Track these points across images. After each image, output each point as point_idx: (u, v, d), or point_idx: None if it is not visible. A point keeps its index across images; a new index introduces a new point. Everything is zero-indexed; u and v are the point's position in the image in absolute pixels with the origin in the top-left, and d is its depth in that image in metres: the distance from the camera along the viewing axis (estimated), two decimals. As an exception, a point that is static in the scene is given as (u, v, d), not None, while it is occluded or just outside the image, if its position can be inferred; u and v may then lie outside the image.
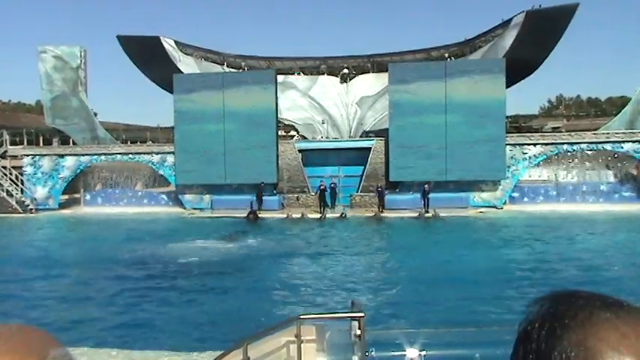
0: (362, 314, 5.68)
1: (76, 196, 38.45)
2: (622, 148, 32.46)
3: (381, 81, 39.60)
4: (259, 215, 31.19)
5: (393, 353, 5.95)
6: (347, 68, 42.48)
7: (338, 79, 42.88)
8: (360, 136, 39.16)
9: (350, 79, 42.76)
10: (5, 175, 36.26)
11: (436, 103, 32.49)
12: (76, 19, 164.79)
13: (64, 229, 30.28)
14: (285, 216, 31.23)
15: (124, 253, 20.92)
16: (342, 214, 30.98)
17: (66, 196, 38.19)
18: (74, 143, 39.59)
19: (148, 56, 39.32)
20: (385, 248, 22.61)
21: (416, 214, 30.46)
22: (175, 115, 35.40)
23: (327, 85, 42.92)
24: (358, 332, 5.62)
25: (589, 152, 33.56)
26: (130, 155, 37.35)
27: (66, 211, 36.41)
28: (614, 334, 0.74)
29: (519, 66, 33.05)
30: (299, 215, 31.02)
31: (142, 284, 16.00)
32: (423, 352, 5.79)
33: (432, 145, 32.58)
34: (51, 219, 33.28)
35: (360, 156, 34.46)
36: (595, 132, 33.94)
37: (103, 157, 37.41)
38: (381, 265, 18.76)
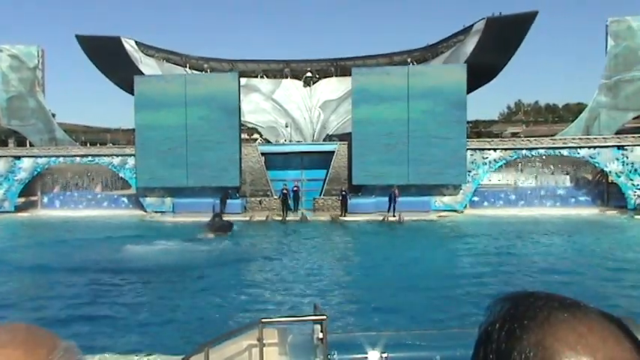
0: (324, 317, 5.70)
1: (33, 198, 37.52)
2: (578, 153, 33.28)
3: (344, 85, 39.80)
4: (223, 218, 30.93)
5: (355, 356, 5.98)
6: (310, 72, 42.58)
7: (301, 83, 42.94)
8: (324, 140, 39.29)
9: (313, 83, 42.88)
10: (-42, 176, 35.18)
11: (398, 108, 32.80)
12: (34, 18, 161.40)
13: (17, 232, 29.45)
14: (247, 219, 31.06)
15: (75, 257, 20.49)
16: (302, 217, 31.01)
17: (22, 199, 37.23)
18: (31, 144, 38.68)
19: (108, 57, 38.66)
20: (341, 251, 22.62)
21: (380, 218, 30.62)
22: (136, 117, 34.89)
23: (290, 88, 42.93)
24: (320, 335, 5.63)
25: (545, 157, 34.31)
26: (90, 157, 36.65)
27: (22, 214, 35.50)
28: (571, 335, 0.75)
29: (480, 72, 33.59)
30: (263, 218, 30.92)
31: (92, 286, 15.77)
32: (385, 355, 5.84)
33: (394, 149, 32.89)
34: (5, 222, 32.36)
35: (323, 160, 34.53)
36: (552, 138, 34.72)
37: (61, 159, 36.64)
38: (335, 268, 18.79)
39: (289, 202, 32.73)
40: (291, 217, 31.62)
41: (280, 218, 31.27)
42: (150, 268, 18.40)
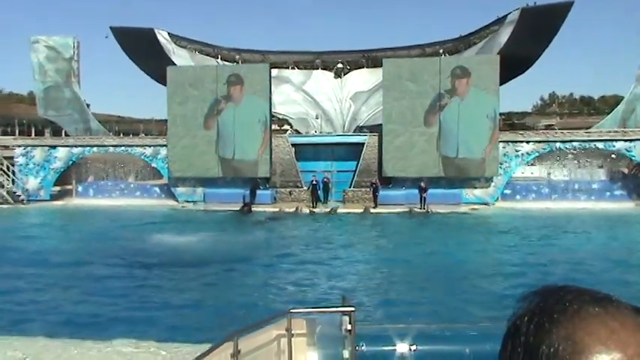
0: (352, 309, 5.70)
1: (68, 187, 38.31)
2: (614, 146, 32.61)
3: (375, 76, 39.60)
4: (252, 209, 31.22)
5: (383, 348, 5.96)
6: (341, 63, 42.46)
7: (332, 74, 42.86)
8: (354, 132, 39.16)
9: (344, 74, 42.75)
10: (-4, 165, 36.06)
11: (429, 100, 32.57)
12: (70, 9, 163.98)
13: (52, 220, 30.08)
14: (277, 210, 31.24)
15: (111, 245, 20.86)
16: (332, 209, 31.02)
17: (58, 188, 38.06)
18: (66, 134, 39.41)
19: (141, 48, 39.17)
20: (372, 243, 22.47)
21: (408, 210, 30.47)
22: (168, 108, 35.27)
23: (321, 79, 42.90)
24: (349, 327, 5.63)
25: (579, 150, 33.71)
26: (123, 147, 37.21)
27: (57, 203, 36.27)
28: (602, 329, 0.74)
29: (513, 63, 33.11)
30: (292, 209, 31.06)
31: (131, 277, 15.98)
32: (413, 347, 5.80)
33: (424, 141, 32.69)
34: (41, 210, 33.13)
35: (353, 151, 34.47)
36: (587, 130, 34.07)
37: (95, 149, 37.27)
38: (364, 260, 18.73)
39: (319, 193, 32.79)
40: (320, 208, 31.68)
41: (311, 210, 31.32)
42: (187, 259, 18.60)
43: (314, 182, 32.63)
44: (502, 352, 0.82)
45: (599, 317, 0.75)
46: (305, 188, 33.88)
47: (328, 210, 31.03)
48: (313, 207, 31.72)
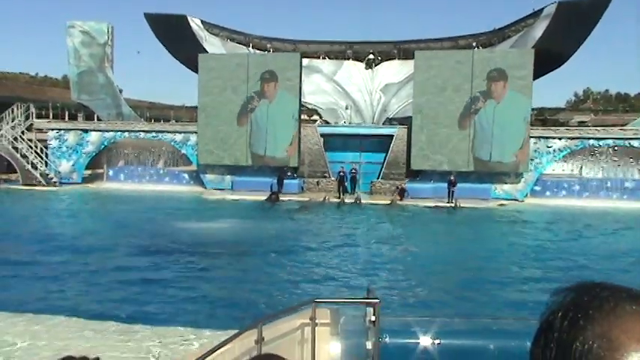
0: (377, 300, 5.70)
1: (99, 171, 38.94)
2: (649, 145, 31.93)
3: (406, 68, 39.27)
4: (280, 198, 31.34)
5: (407, 340, 5.97)
6: (372, 54, 42.17)
7: (363, 65, 42.61)
8: (383, 123, 38.95)
9: (375, 66, 42.47)
10: (31, 147, 36.74)
11: (461, 93, 32.28)
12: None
13: (82, 203, 30.68)
14: (307, 199, 31.31)
15: (140, 230, 21.17)
16: (357, 199, 30.98)
17: (89, 171, 38.71)
18: (99, 119, 39.98)
19: (174, 35, 39.44)
20: (395, 236, 22.32)
21: (437, 204, 30.26)
22: (199, 95, 35.53)
23: (352, 70, 42.70)
24: (373, 318, 5.64)
25: (614, 148, 33.09)
26: (154, 133, 37.62)
27: (88, 186, 36.84)
28: (638, 327, 0.72)
29: (548, 58, 32.54)
30: (320, 199, 31.14)
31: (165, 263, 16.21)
32: (437, 341, 5.80)
33: (454, 134, 32.48)
34: (73, 193, 33.73)
35: (382, 143, 34.30)
36: (622, 128, 33.39)
37: (126, 134, 37.76)
38: (389, 253, 18.72)
39: (346, 184, 32.73)
40: (347, 199, 31.62)
41: (338, 200, 31.31)
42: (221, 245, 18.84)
43: (341, 173, 32.62)
44: (534, 348, 0.81)
45: (635, 315, 0.74)
46: (332, 179, 33.89)
47: (353, 200, 31.01)
48: (341, 197, 31.66)
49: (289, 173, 33.75)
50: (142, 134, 37.63)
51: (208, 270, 15.47)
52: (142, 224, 22.69)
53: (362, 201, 30.89)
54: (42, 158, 37.13)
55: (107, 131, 37.76)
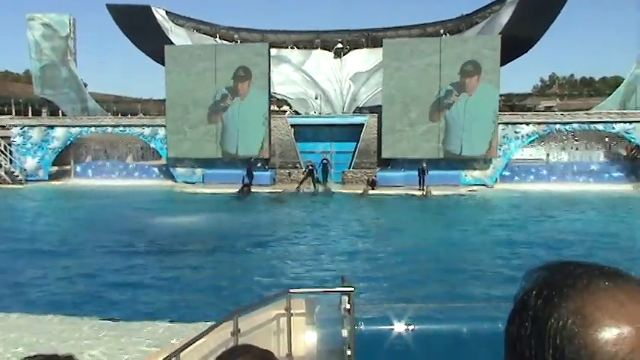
0: (352, 289, 5.78)
1: (66, 167, 38.30)
2: (613, 128, 32.60)
3: (375, 56, 39.40)
4: (252, 190, 31.25)
5: (381, 327, 6.06)
6: (341, 43, 42.16)
7: (332, 54, 42.61)
8: (354, 112, 39.05)
9: (344, 54, 42.50)
10: (-6, 145, 36.03)
11: (430, 80, 32.54)
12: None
13: (49, 200, 30.15)
14: (280, 190, 31.30)
15: (109, 226, 20.94)
16: (325, 189, 31.29)
17: (56, 168, 38.06)
18: (63, 114, 39.31)
19: (138, 26, 38.90)
20: (367, 225, 22.40)
21: (408, 192, 30.47)
22: (166, 88, 35.17)
23: (320, 59, 42.66)
24: (348, 306, 5.72)
25: (581, 132, 33.72)
26: (121, 127, 37.17)
27: (55, 183, 36.26)
28: (612, 303, 0.74)
29: (515, 43, 32.95)
30: (294, 190, 31.27)
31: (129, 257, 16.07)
32: (411, 327, 5.91)
33: (424, 122, 32.74)
34: (39, 190, 33.13)
35: (353, 132, 34.40)
36: (588, 112, 34.03)
37: (93, 129, 37.19)
38: (362, 243, 18.82)
39: (316, 175, 32.58)
40: (316, 189, 31.76)
41: (311, 190, 31.38)
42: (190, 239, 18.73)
43: (310, 167, 32.54)
44: (509, 327, 0.82)
45: (608, 291, 0.75)
46: (303, 169, 33.82)
47: (321, 190, 31.21)
48: (313, 188, 31.74)
49: (259, 164, 33.48)
50: (109, 129, 37.11)
51: (182, 265, 15.36)
52: (111, 220, 22.39)
53: (333, 191, 31.05)
54: (6, 156, 36.43)
55: (73, 126, 37.14)
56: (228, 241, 18.41)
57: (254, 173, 32.46)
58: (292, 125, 35.32)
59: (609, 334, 0.72)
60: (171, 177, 35.96)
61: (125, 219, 22.70)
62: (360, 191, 30.78)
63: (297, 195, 30.53)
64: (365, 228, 21.55)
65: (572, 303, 0.75)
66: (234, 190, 31.00)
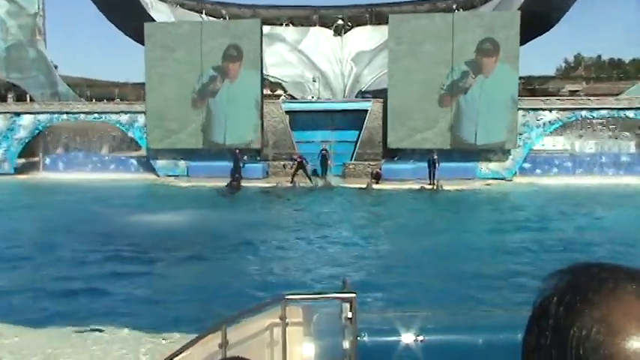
0: (354, 295, 5.75)
1: (34, 159, 38.22)
2: (646, 115, 32.62)
3: (379, 34, 39.35)
4: (242, 184, 31.23)
5: (387, 338, 6.04)
6: (342, 19, 42.05)
7: (331, 32, 42.50)
8: (356, 97, 39.03)
9: (345, 32, 42.38)
10: (-47, 134, 35.95)
11: (441, 61, 32.52)
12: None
13: (14, 196, 29.75)
14: (273, 185, 31.34)
15: (81, 227, 20.79)
16: (325, 183, 31.44)
17: (23, 160, 37.94)
18: (32, 100, 39.21)
19: (115, 2, 38.77)
20: (371, 224, 22.41)
21: (417, 186, 30.48)
22: (146, 70, 35.11)
23: (319, 38, 42.56)
24: (349, 315, 5.69)
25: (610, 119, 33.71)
26: (96, 114, 37.05)
27: (22, 177, 36.19)
28: None
29: (536, 21, 32.90)
30: (290, 184, 31.39)
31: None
32: (420, 337, 5.89)
33: (435, 108, 32.76)
34: (4, 185, 32.88)
35: (355, 119, 34.40)
36: (617, 97, 34.00)
37: (64, 116, 37.08)
38: (365, 243, 18.77)
39: (308, 166, 32.56)
40: (310, 183, 31.87)
41: (308, 185, 31.44)
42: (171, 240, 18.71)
43: (297, 160, 32.49)
44: (527, 337, 0.82)
45: (637, 296, 0.75)
46: (290, 163, 33.56)
47: (320, 185, 31.30)
48: (311, 182, 31.84)
49: (245, 157, 32.94)
50: (83, 116, 37.00)
51: (165, 270, 15.34)
52: (83, 219, 22.24)
53: (333, 185, 31.11)
54: (-33, 146, 36.35)
55: (42, 113, 37.01)
56: (215, 242, 18.38)
57: (243, 165, 32.33)
58: (287, 112, 35.32)
59: (637, 343, 0.71)
60: (152, 170, 35.93)
61: (99, 218, 22.51)
62: (364, 185, 30.79)
63: (293, 190, 30.60)
64: (369, 227, 21.54)
65: (596, 310, 0.74)
66: (222, 184, 30.98)
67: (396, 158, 33.91)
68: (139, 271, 15.08)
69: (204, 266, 15.96)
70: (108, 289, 13.29)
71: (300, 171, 32.36)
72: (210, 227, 20.97)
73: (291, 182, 31.64)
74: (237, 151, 32.59)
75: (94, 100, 42.01)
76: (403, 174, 32.30)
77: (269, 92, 40.59)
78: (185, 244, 18.10)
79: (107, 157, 38.55)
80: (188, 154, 35.19)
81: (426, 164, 31.41)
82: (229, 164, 32.27)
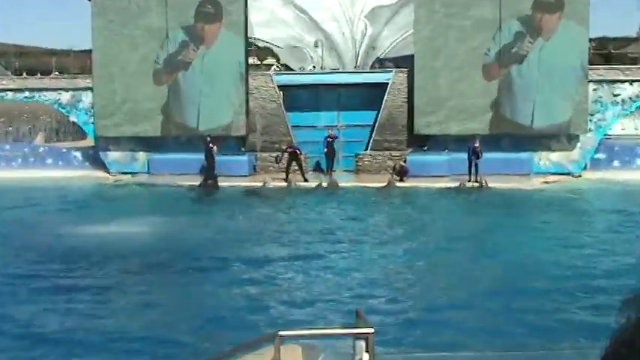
0: (371, 330, 5.75)
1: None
2: None
3: (402, -17, 39.22)
4: (218, 184, 31.35)
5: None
6: (352, -37, 41.95)
7: (338, -19, 42.40)
8: (372, 67, 38.89)
9: (357, -19, 42.29)
10: None
11: (484, 20, 32.54)
12: None
13: None
14: (260, 184, 31.23)
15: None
16: (330, 182, 31.21)
17: None
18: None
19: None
20: (393, 239, 21.78)
21: (453, 184, 30.45)
22: (94, 34, 35.18)
23: (322, -11, 42.44)
24: (365, 356, 5.70)
25: None
26: (27, 92, 37.12)
27: None
28: None
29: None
30: (283, 184, 31.37)
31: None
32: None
33: (477, 81, 32.76)
34: None
35: (371, 96, 34.44)
36: None
37: (-16, 95, 37.23)
38: (385, 263, 18.63)
39: (302, 156, 32.63)
40: (315, 180, 31.79)
41: (314, 184, 31.27)
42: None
43: (288, 150, 32.46)
44: None
45: None
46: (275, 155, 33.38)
47: (325, 184, 31.16)
48: (287, 179, 31.89)
49: (214, 148, 32.41)
50: (9, 94, 37.14)
51: (120, 301, 15.29)
52: (10, 232, 22.21)
53: (342, 185, 30.91)
54: None
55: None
56: (186, 263, 18.30)
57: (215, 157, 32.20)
58: (281, 87, 35.37)
59: None
60: (102, 165, 35.96)
61: (29, 229, 22.49)
62: (383, 184, 30.68)
63: (288, 190, 30.58)
64: (391, 240, 21.30)
65: None
66: (194, 182, 31.12)
67: (425, 148, 33.89)
68: (93, 300, 15.07)
69: (170, 294, 15.94)
70: (48, 327, 13.28)
71: (295, 166, 32.34)
72: (180, 242, 20.81)
73: (286, 180, 31.66)
74: (209, 138, 32.56)
75: (24, 74, 42.01)
76: (435, 168, 32.28)
77: (256, 61, 40.49)
78: (147, 266, 18.02)
79: (42, 149, 38.56)
80: (149, 143, 35.25)
81: (465, 155, 31.23)
82: (201, 157, 32.34)
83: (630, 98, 33.10)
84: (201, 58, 34.55)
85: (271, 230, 22.89)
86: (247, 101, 34.51)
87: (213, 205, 28.18)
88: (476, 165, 30.93)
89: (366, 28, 41.76)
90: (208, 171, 31.85)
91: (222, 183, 31.38)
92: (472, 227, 23.09)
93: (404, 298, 15.11)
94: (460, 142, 32.18)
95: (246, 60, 35.44)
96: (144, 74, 34.62)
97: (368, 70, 37.91)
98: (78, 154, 37.73)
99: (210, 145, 32.26)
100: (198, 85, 34.46)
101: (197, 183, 31.18)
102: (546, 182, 31.40)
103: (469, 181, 30.74)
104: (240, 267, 17.96)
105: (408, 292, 15.43)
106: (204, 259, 18.85)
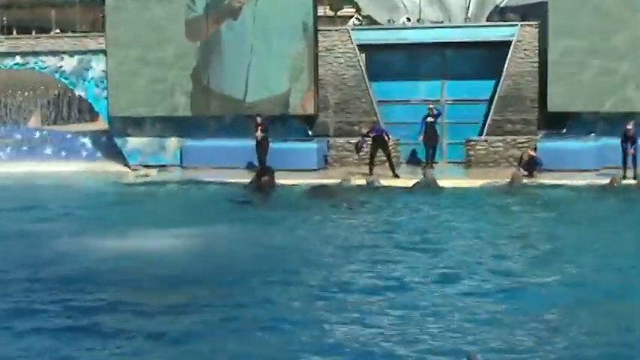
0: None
1: None
2: None
3: None
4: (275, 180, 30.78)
5: None
6: None
7: None
8: (488, 19, 38.58)
9: None
10: None
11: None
12: None
13: None
14: (339, 180, 30.58)
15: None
16: (425, 179, 30.27)
17: None
18: None
19: None
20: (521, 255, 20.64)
21: (602, 181, 29.81)
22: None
23: None
24: None
25: None
26: (18, 58, 37.37)
27: None
28: None
29: None
30: (364, 181, 30.73)
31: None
32: None
33: (634, 42, 32.38)
34: None
35: (487, 60, 34.52)
36: None
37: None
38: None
39: (390, 149, 32.07)
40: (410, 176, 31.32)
41: (410, 182, 30.52)
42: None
43: (371, 134, 31.92)
44: None
45: None
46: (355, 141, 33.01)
47: (423, 182, 30.21)
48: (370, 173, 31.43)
49: (261, 120, 32.47)
50: (-3, 61, 37.49)
51: (147, 345, 14.70)
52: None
53: (442, 186, 30.05)
54: None
55: None
56: (236, 289, 17.71)
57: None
58: (362, 47, 35.14)
59: None
60: (118, 155, 36.25)
61: (23, 242, 22.29)
62: (506, 179, 30.27)
63: (370, 191, 29.96)
64: (529, 274, 20.26)
65: None
66: (245, 179, 30.95)
67: (562, 131, 33.60)
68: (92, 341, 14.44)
69: (219, 326, 15.22)
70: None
71: (382, 156, 31.96)
72: (225, 265, 20.32)
73: (370, 174, 31.34)
74: (259, 119, 32.45)
75: (14, 33, 42.37)
76: (576, 159, 32.07)
77: (329, 12, 40.27)
78: (182, 293, 17.36)
79: (39, 134, 38.96)
80: (181, 125, 35.49)
81: (617, 141, 30.83)
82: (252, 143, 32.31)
83: None
84: (252, 6, 34.41)
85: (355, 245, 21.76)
86: (316, 67, 34.33)
87: (270, 210, 27.44)
88: (633, 156, 30.37)
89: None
90: (262, 163, 31.70)
91: (282, 180, 30.91)
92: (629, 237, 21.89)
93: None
94: (612, 124, 32.21)
95: (315, 10, 35.46)
96: (174, 29, 34.71)
97: (484, 24, 37.46)
98: (87, 141, 38.01)
99: (261, 127, 32.27)
100: (246, 44, 34.38)
101: (247, 180, 30.78)
102: None
103: (623, 177, 30.13)
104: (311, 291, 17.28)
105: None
106: (275, 279, 17.85)
